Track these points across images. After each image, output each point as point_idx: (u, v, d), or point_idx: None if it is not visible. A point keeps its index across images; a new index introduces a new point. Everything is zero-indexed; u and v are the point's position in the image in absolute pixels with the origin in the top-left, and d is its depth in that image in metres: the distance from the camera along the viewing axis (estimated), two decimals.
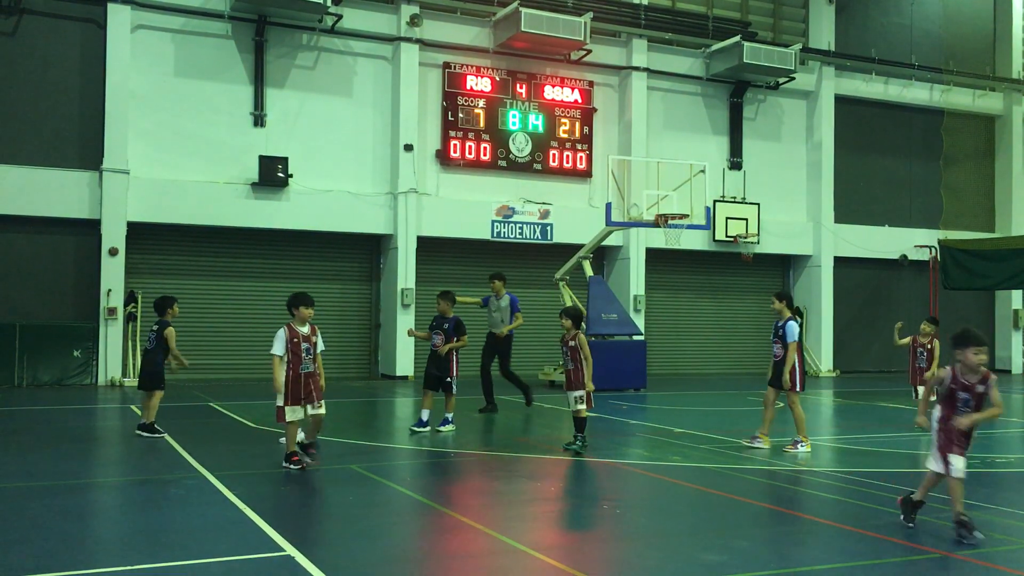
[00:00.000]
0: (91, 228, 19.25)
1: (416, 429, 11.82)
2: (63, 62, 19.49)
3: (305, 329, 8.97)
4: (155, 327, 11.28)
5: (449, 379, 11.99)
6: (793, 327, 10.76)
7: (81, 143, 19.42)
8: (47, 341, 18.76)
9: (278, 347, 8.79)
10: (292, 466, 8.90)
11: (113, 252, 19.11)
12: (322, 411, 9.09)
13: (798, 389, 10.73)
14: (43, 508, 7.21)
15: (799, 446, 10.57)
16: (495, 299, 14.67)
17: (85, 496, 7.99)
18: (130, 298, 19.42)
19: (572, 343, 10.27)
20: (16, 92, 19.10)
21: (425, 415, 11.91)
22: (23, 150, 18.88)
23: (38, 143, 19.13)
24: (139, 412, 13.82)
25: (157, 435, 10.93)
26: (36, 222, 19.06)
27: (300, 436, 9.24)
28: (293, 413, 8.87)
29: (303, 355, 8.86)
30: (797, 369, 10.68)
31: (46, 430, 12.22)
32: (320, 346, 9.05)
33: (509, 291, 15.03)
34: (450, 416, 12.04)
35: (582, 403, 10.20)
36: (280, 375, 8.75)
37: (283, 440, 9.42)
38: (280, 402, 8.80)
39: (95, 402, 16.05)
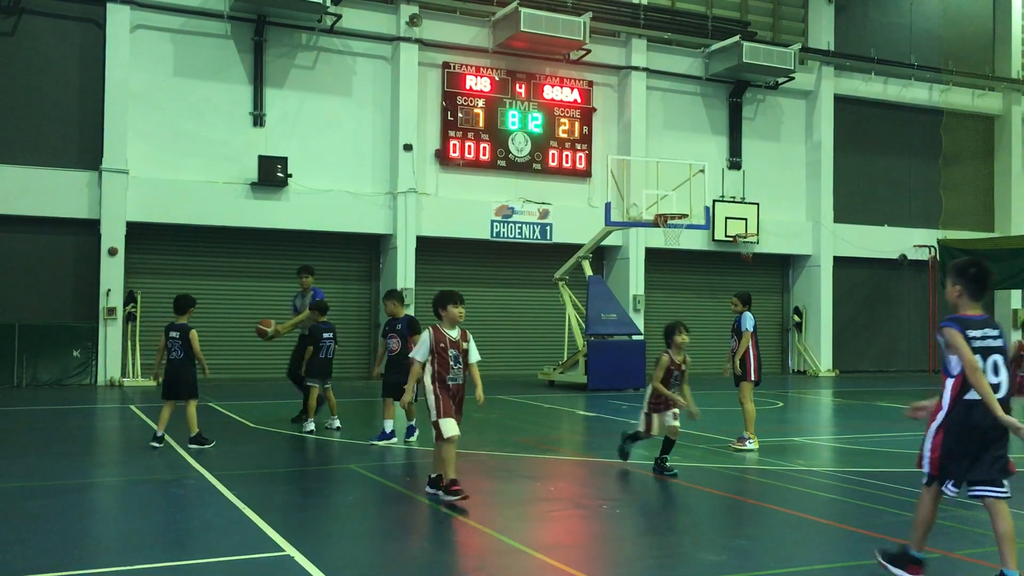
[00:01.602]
0: (91, 228, 19.25)
1: (377, 443, 10.64)
2: (62, 62, 19.49)
3: (455, 333, 7.64)
4: (176, 334, 10.37)
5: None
6: (748, 317, 10.70)
7: (80, 143, 19.42)
8: (47, 341, 18.76)
9: (421, 351, 7.53)
10: (451, 496, 7.38)
11: (112, 252, 19.11)
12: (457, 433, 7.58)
13: (752, 378, 10.64)
14: (42, 508, 7.21)
15: (747, 443, 10.44)
16: (302, 297, 13.05)
17: (85, 496, 7.99)
18: (129, 298, 19.42)
19: (684, 367, 9.33)
20: (16, 92, 19.10)
21: (388, 426, 10.76)
22: (23, 150, 18.88)
23: (38, 143, 19.12)
24: (139, 412, 13.81)
25: (209, 443, 10.37)
26: (36, 222, 19.06)
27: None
28: (451, 426, 7.41)
29: (451, 363, 7.49)
30: (752, 358, 10.60)
31: (46, 430, 12.22)
32: (474, 355, 7.70)
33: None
34: (412, 422, 10.93)
35: (678, 420, 9.20)
36: (424, 386, 7.47)
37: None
38: (433, 415, 7.46)
39: (95, 402, 16.06)
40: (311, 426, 11.65)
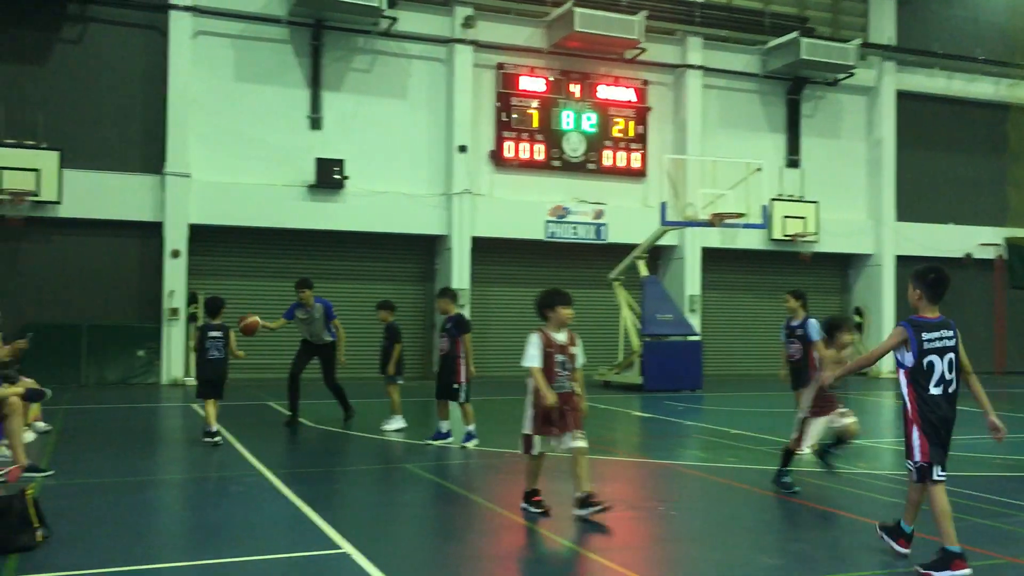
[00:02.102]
0: (154, 231, 19.68)
1: (433, 442, 10.70)
2: (127, 69, 19.96)
3: (562, 337, 7.09)
4: (219, 333, 10.72)
5: (456, 385, 10.51)
6: (815, 325, 10.28)
7: (144, 147, 19.88)
8: (112, 341, 19.23)
9: (533, 357, 6.97)
10: (532, 508, 7.14)
11: (175, 254, 19.52)
12: (583, 444, 7.03)
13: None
14: (108, 504, 7.39)
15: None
16: (304, 309, 12.76)
17: (148, 493, 8.17)
18: (192, 299, 19.81)
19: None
20: (82, 99, 19.61)
21: (444, 426, 10.75)
22: (89, 155, 19.36)
23: (103, 148, 19.61)
24: (202, 413, 14.10)
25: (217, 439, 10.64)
26: (102, 225, 19.55)
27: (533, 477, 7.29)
28: (541, 444, 7.05)
29: (557, 370, 7.00)
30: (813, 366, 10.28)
31: (111, 428, 12.52)
32: (580, 358, 7.22)
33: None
34: (471, 428, 10.62)
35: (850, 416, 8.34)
36: (547, 391, 6.85)
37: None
38: (528, 428, 7.02)
39: (158, 401, 16.42)
40: (399, 424, 11.83)
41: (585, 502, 6.90)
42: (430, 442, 10.73)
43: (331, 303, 12.90)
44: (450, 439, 10.77)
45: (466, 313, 21.45)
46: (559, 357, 6.98)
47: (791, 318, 10.71)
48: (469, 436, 10.58)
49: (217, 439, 10.41)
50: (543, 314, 7.13)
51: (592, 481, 7.11)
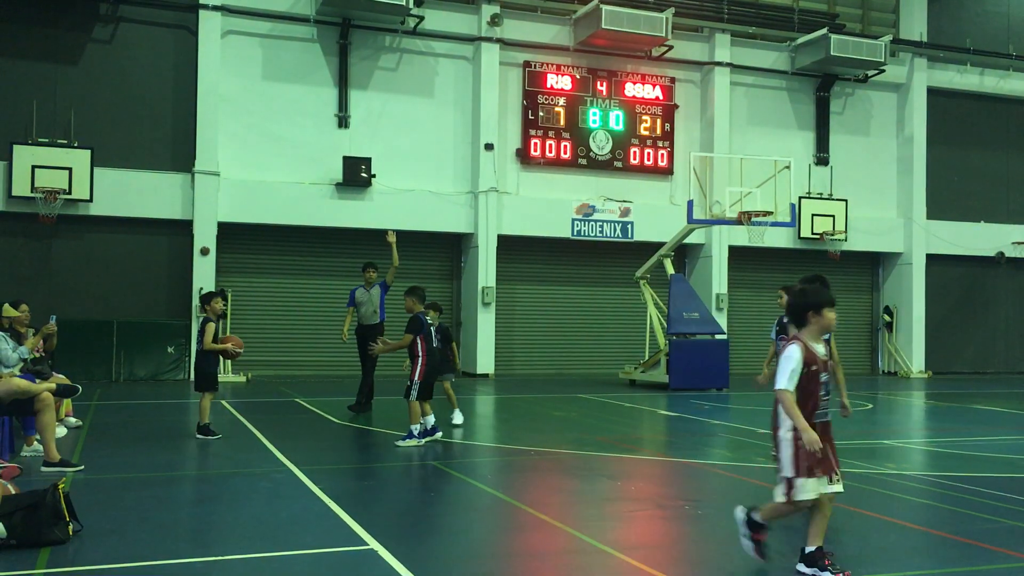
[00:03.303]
0: (184, 228, 19.88)
1: (402, 444, 10.40)
2: (157, 68, 20.17)
3: (822, 349, 5.42)
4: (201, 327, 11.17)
5: (409, 383, 10.45)
6: None
7: (174, 146, 20.08)
8: (142, 338, 19.44)
9: (787, 377, 5.27)
10: (750, 540, 5.66)
11: (205, 251, 19.70)
12: (839, 488, 5.40)
13: None
14: (139, 499, 7.47)
15: None
16: (364, 290, 13.71)
17: (178, 488, 8.26)
18: (222, 296, 19.93)
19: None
20: (113, 98, 19.84)
21: (430, 421, 10.67)
22: (120, 154, 19.60)
23: (134, 146, 19.84)
24: (229, 408, 14.23)
25: (214, 436, 10.75)
26: (132, 223, 19.78)
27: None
28: (809, 488, 5.29)
29: (821, 393, 5.37)
30: None
31: (141, 424, 12.67)
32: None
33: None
34: (414, 428, 10.43)
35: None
36: (801, 422, 5.22)
37: None
38: (789, 471, 5.33)
39: (188, 397, 16.57)
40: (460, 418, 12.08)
41: (813, 561, 5.36)
42: (401, 443, 10.42)
43: (385, 283, 13.73)
44: (438, 435, 10.71)
45: (492, 311, 21.54)
46: (823, 376, 5.37)
47: (784, 315, 10.23)
48: (410, 434, 10.40)
49: (206, 436, 10.73)
50: (803, 318, 5.42)
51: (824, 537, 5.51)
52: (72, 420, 11.48)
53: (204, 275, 19.71)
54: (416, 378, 10.46)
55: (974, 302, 26.83)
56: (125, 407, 14.56)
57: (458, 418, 12.24)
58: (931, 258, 25.70)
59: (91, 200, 19.00)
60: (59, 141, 18.96)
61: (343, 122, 21.16)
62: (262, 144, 20.53)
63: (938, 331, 26.00)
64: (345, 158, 20.70)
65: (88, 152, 18.91)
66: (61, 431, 10.35)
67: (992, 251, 26.52)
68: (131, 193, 19.50)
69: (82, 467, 8.63)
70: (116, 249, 19.87)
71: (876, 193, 25.80)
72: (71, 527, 6.00)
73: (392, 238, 13.23)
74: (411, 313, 10.68)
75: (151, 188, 19.70)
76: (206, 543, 6.30)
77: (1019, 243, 26.61)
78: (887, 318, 25.76)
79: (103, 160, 19.23)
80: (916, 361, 25.34)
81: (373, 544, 6.02)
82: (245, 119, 20.44)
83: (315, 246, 21.44)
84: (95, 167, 18.96)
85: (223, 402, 15.01)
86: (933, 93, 26.04)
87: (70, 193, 18.70)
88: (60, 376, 9.79)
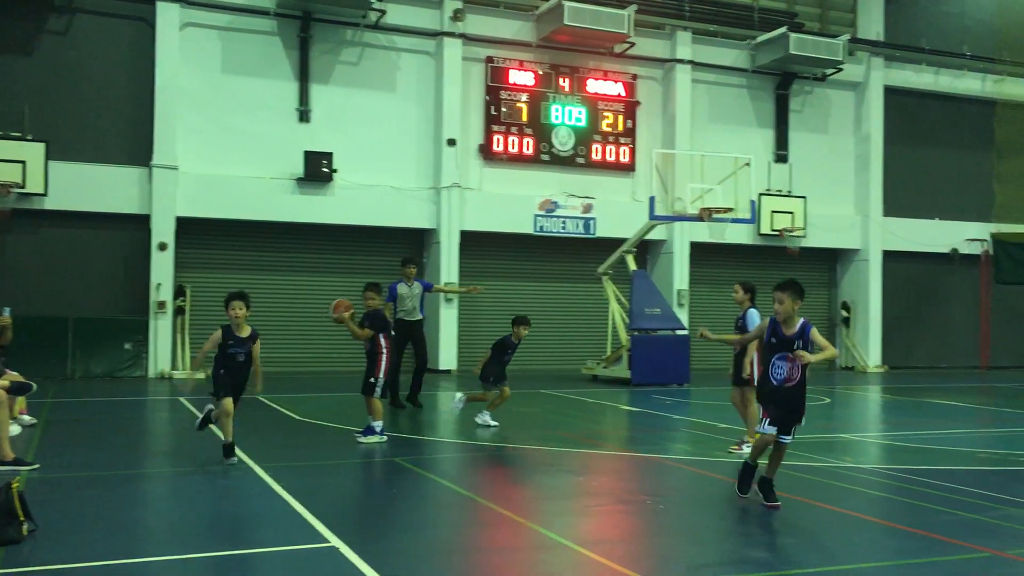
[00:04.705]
0: (141, 223, 19.59)
1: (364, 440, 10.39)
2: (114, 60, 19.84)
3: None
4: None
5: (373, 379, 10.38)
6: (754, 315, 9.93)
7: (131, 139, 19.77)
8: (99, 334, 19.13)
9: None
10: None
11: (163, 247, 19.44)
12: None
13: (755, 384, 9.42)
14: (94, 498, 7.36)
15: (744, 447, 9.77)
16: (407, 285, 13.75)
17: (135, 486, 8.15)
18: (179, 292, 19.74)
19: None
20: (69, 90, 19.48)
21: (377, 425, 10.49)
22: (75, 147, 19.25)
23: (90, 140, 19.50)
24: (188, 405, 14.05)
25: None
26: (88, 217, 19.45)
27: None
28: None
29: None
30: (759, 361, 9.11)
31: (98, 422, 12.48)
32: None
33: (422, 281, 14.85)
34: (376, 424, 10.39)
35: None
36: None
37: None
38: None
39: (145, 394, 16.36)
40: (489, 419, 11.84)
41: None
42: (362, 440, 10.37)
43: (430, 283, 14.31)
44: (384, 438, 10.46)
45: (455, 307, 21.49)
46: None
47: (740, 316, 10.24)
48: (370, 431, 10.36)
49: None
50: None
51: None
52: (26, 418, 11.28)
53: (162, 271, 19.44)
54: (380, 375, 10.42)
55: (929, 298, 27.30)
56: (81, 405, 14.34)
57: (491, 420, 11.81)
58: (887, 254, 26.10)
59: (46, 194, 18.65)
60: (12, 134, 18.57)
61: (304, 116, 20.98)
62: (221, 138, 20.29)
63: (894, 326, 26.42)
64: (306, 153, 20.52)
65: (43, 145, 18.55)
66: (15, 429, 10.16)
67: (947, 248, 27.00)
68: (87, 187, 19.17)
69: (37, 466, 8.48)
70: (72, 244, 19.53)
71: (834, 190, 26.14)
72: (26, 527, 5.91)
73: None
74: (371, 310, 10.60)
75: (107, 182, 19.39)
76: (164, 542, 6.23)
77: (973, 240, 27.11)
78: (844, 313, 26.14)
79: (58, 153, 18.89)
80: (872, 356, 25.73)
81: (335, 541, 5.99)
82: (204, 112, 20.18)
83: (275, 241, 21.24)
84: (50, 160, 18.61)
85: (182, 399, 14.84)
86: (890, 92, 26.42)
87: (24, 187, 18.32)
88: (13, 373, 9.58)
